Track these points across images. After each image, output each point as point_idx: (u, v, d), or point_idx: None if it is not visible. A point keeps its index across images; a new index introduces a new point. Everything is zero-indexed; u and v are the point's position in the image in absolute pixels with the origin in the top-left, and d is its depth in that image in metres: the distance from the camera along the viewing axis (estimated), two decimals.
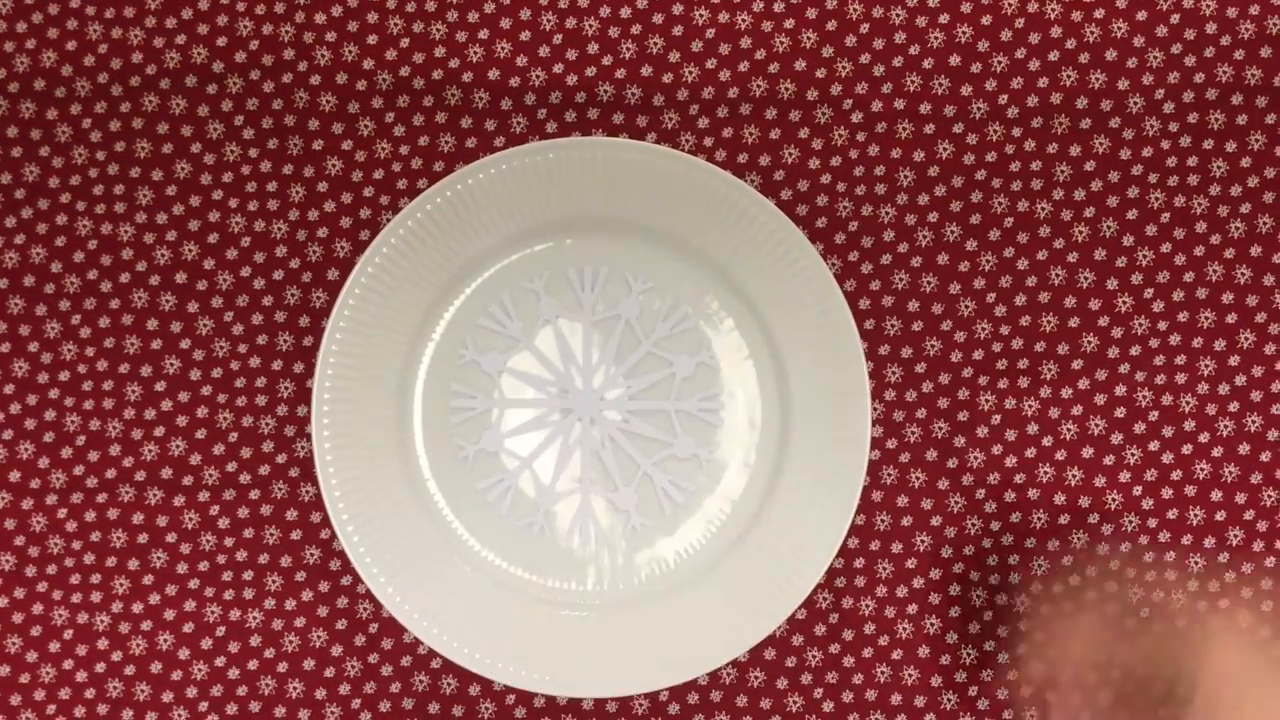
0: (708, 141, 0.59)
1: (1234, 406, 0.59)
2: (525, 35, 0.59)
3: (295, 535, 0.59)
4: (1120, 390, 0.59)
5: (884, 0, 0.59)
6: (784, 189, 0.59)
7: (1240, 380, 0.59)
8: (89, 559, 0.59)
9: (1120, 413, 0.59)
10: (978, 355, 0.59)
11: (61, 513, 0.59)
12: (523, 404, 0.59)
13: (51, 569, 0.59)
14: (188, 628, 0.59)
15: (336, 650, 0.59)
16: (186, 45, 0.59)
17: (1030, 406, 0.59)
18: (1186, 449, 0.59)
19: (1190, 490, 0.59)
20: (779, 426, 0.58)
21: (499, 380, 0.58)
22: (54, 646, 0.59)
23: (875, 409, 0.59)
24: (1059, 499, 0.59)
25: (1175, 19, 0.59)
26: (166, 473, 0.59)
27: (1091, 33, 0.59)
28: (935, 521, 0.59)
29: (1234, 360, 0.59)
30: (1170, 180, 0.59)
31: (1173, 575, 0.58)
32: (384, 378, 0.57)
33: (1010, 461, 0.59)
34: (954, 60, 0.59)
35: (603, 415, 0.58)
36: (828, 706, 0.59)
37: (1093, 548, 0.58)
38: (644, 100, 0.59)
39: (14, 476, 0.59)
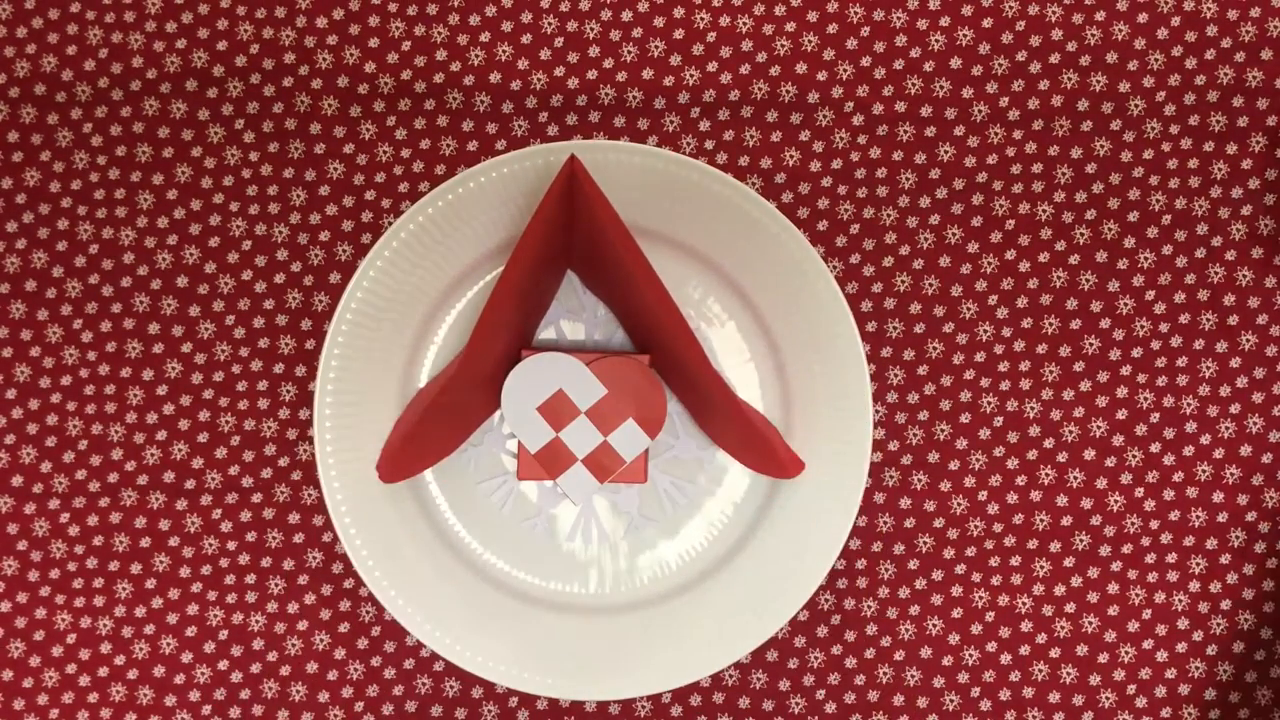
0: (709, 144, 0.59)
1: (1235, 408, 0.59)
2: (527, 38, 0.59)
3: (298, 539, 0.59)
4: (1122, 392, 0.59)
5: (885, 3, 0.59)
6: (785, 192, 0.59)
7: (1242, 382, 0.59)
8: (91, 563, 0.59)
9: (1122, 414, 0.59)
10: (980, 357, 0.59)
11: (64, 517, 0.59)
12: None
13: (54, 573, 0.59)
14: (190, 631, 0.59)
15: (339, 653, 0.59)
16: (187, 49, 0.59)
17: (1032, 408, 0.59)
18: (1188, 451, 0.59)
19: (1192, 492, 0.59)
20: (781, 428, 0.58)
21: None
22: (57, 651, 0.59)
23: (877, 411, 0.59)
24: (1061, 501, 0.59)
25: (1176, 21, 0.59)
26: (169, 476, 0.59)
27: (1092, 35, 0.59)
28: (938, 524, 0.59)
29: (1235, 362, 0.59)
30: (1171, 182, 0.59)
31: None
32: (386, 381, 0.57)
33: (1012, 464, 0.59)
34: (955, 63, 0.59)
35: None
36: (830, 708, 0.59)
37: None
38: (645, 103, 0.59)
39: (16, 481, 0.59)
